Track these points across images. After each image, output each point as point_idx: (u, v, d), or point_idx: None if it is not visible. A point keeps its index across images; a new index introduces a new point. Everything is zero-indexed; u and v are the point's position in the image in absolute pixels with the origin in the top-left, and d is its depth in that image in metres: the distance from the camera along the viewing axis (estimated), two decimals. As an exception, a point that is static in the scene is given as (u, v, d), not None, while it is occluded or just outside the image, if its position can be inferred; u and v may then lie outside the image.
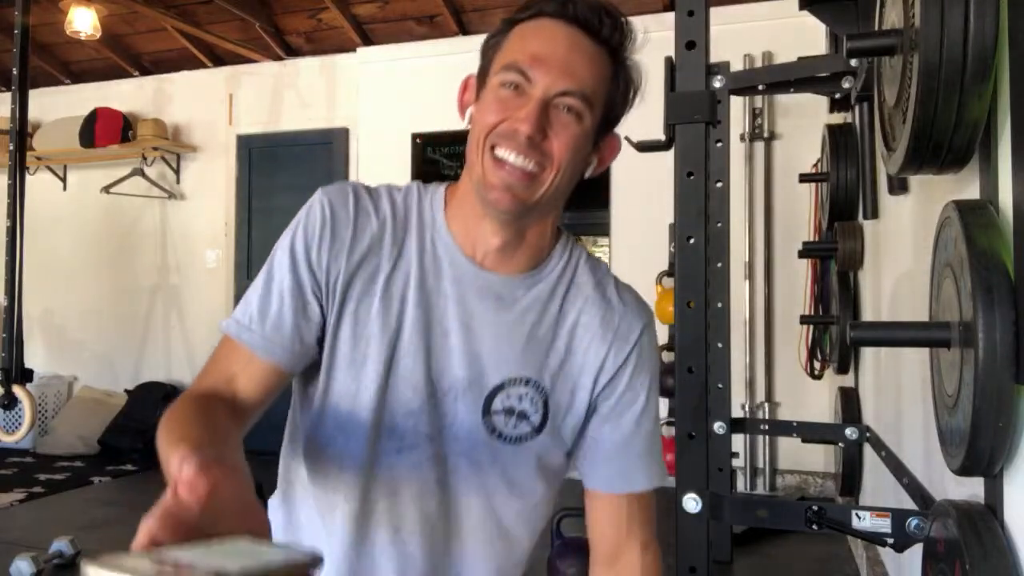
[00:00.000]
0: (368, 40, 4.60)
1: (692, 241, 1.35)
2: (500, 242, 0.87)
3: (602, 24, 0.86)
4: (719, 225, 2.26)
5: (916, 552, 1.20)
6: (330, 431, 0.89)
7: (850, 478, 2.78)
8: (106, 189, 4.85)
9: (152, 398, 4.76)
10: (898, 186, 1.80)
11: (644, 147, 1.84)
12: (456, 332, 0.88)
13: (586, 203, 4.17)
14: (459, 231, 0.89)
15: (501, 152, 0.81)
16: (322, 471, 0.90)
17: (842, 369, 2.84)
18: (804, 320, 3.07)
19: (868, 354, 2.62)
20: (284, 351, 0.84)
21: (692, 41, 1.34)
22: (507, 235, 0.87)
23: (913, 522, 1.18)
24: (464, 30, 4.38)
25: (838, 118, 2.93)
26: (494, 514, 0.92)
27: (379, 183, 0.94)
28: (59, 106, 5.03)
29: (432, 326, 0.87)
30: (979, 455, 0.91)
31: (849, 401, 2.75)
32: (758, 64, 3.83)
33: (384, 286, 0.87)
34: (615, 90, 0.87)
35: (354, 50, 4.62)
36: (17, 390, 2.98)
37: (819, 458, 3.79)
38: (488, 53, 0.87)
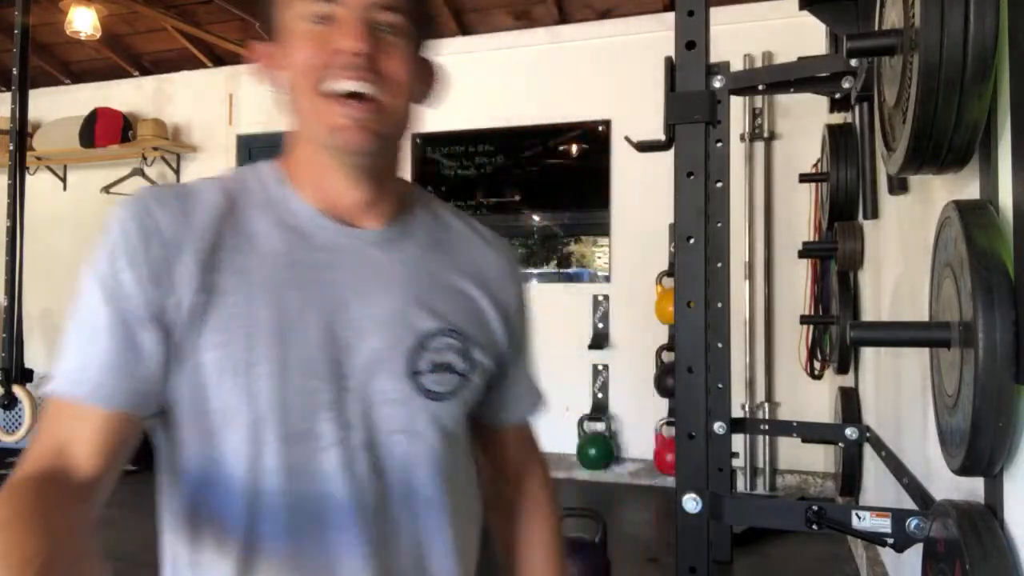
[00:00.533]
0: (368, 40, 4.60)
1: (692, 241, 1.35)
2: (362, 194, 0.79)
3: None
4: (719, 225, 2.26)
5: (916, 552, 1.21)
6: (222, 463, 0.74)
7: (850, 478, 2.78)
8: (106, 189, 4.85)
9: (152, 398, 4.76)
10: (898, 186, 1.80)
11: (644, 147, 1.84)
12: (353, 302, 0.77)
13: (586, 203, 4.18)
14: (313, 195, 0.79)
15: (334, 85, 0.72)
16: (216, 519, 0.74)
17: (842, 369, 2.84)
18: (804, 320, 3.07)
19: (868, 354, 2.62)
20: (125, 391, 0.69)
21: (692, 41, 1.34)
22: (368, 183, 0.79)
23: (913, 522, 1.18)
24: (464, 30, 4.38)
25: (838, 118, 2.93)
26: (443, 476, 0.82)
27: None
28: (59, 106, 5.03)
29: (321, 304, 0.76)
30: (979, 455, 0.91)
31: (849, 401, 2.74)
32: (758, 64, 3.83)
33: (241, 279, 0.74)
34: (422, 13, 0.79)
35: (354, 50, 4.62)
36: (17, 390, 2.98)
37: (819, 458, 3.79)
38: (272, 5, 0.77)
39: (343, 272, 0.78)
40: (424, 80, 0.82)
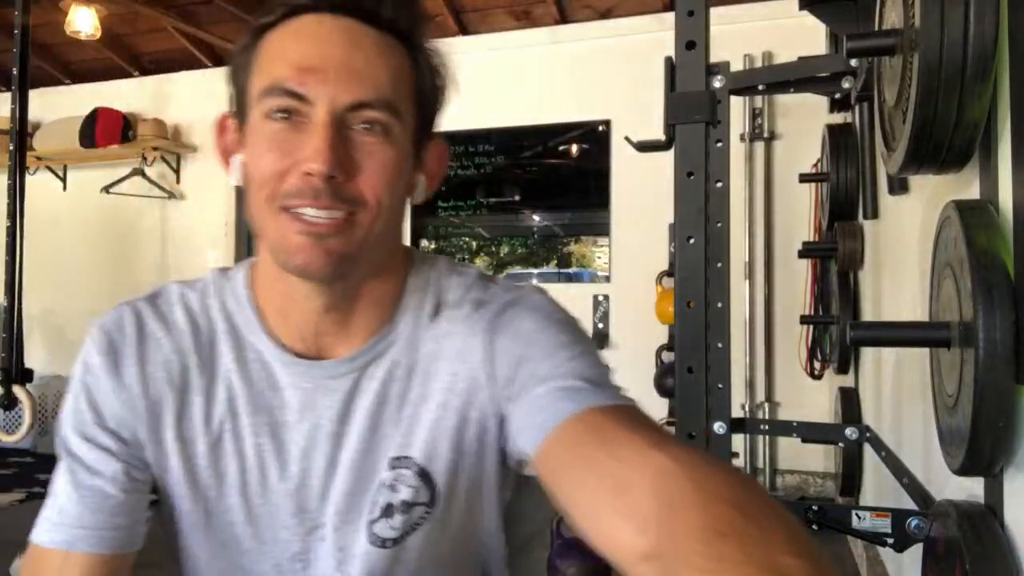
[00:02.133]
0: (368, 40, 4.60)
1: (692, 241, 1.35)
2: (332, 318, 0.70)
3: (380, 2, 0.64)
4: (719, 225, 2.26)
5: (916, 552, 1.20)
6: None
7: (850, 478, 2.78)
8: (106, 189, 4.85)
9: (152, 398, 4.76)
10: (898, 186, 1.80)
11: (644, 147, 1.84)
12: (317, 447, 0.71)
13: (586, 203, 4.18)
14: (277, 320, 0.72)
15: (294, 203, 0.62)
16: None
17: (842, 369, 2.84)
18: (804, 320, 3.07)
19: (868, 354, 2.62)
20: (108, 531, 0.68)
21: (692, 41, 1.34)
22: (338, 306, 0.69)
23: (913, 522, 1.18)
24: (464, 30, 4.38)
25: (838, 118, 2.93)
26: None
27: (173, 280, 0.76)
28: (59, 106, 5.03)
29: (286, 448, 0.71)
30: (979, 455, 0.91)
31: (849, 401, 2.74)
32: (758, 64, 3.83)
33: (206, 424, 0.71)
34: (422, 83, 0.68)
35: (354, 50, 4.62)
36: (17, 390, 2.98)
37: (819, 458, 3.79)
38: (239, 77, 0.66)
39: (306, 412, 0.71)
40: (424, 169, 0.71)
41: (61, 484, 0.70)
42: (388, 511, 0.71)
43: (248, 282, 0.75)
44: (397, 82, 0.64)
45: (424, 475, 0.72)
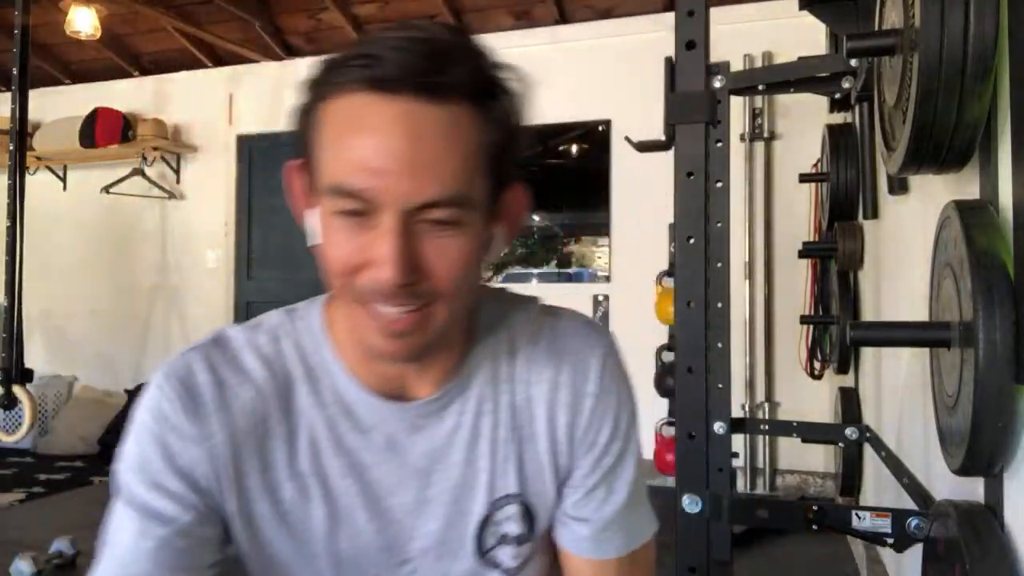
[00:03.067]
0: (368, 40, 4.60)
1: (692, 241, 1.35)
2: (411, 367, 0.71)
3: (440, 70, 0.58)
4: (719, 225, 2.25)
5: (916, 552, 1.20)
6: None
7: (850, 478, 2.78)
8: (106, 189, 4.85)
9: (152, 398, 4.76)
10: (898, 186, 1.80)
11: (644, 147, 1.84)
12: (405, 483, 0.72)
13: (586, 203, 4.17)
14: (357, 363, 0.71)
15: (373, 307, 0.63)
16: None
17: (842, 369, 2.84)
18: (804, 320, 3.07)
19: (868, 354, 2.62)
20: None
21: (692, 41, 1.33)
22: (419, 364, 0.71)
23: (913, 522, 1.18)
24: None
25: (838, 118, 2.93)
26: None
27: (230, 325, 0.73)
28: (59, 106, 5.03)
29: (373, 489, 0.71)
30: (979, 455, 0.91)
31: (849, 401, 2.74)
32: (758, 64, 3.83)
33: (290, 469, 0.70)
34: (495, 142, 0.63)
35: (354, 50, 4.62)
36: (17, 390, 2.98)
37: (819, 458, 3.79)
38: (307, 134, 0.63)
39: (393, 452, 0.72)
40: (502, 223, 0.68)
41: (123, 535, 0.66)
42: (502, 541, 0.75)
43: (324, 323, 0.73)
44: (467, 164, 0.60)
45: (526, 509, 0.75)
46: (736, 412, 2.80)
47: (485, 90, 0.63)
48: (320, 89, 0.62)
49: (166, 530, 0.66)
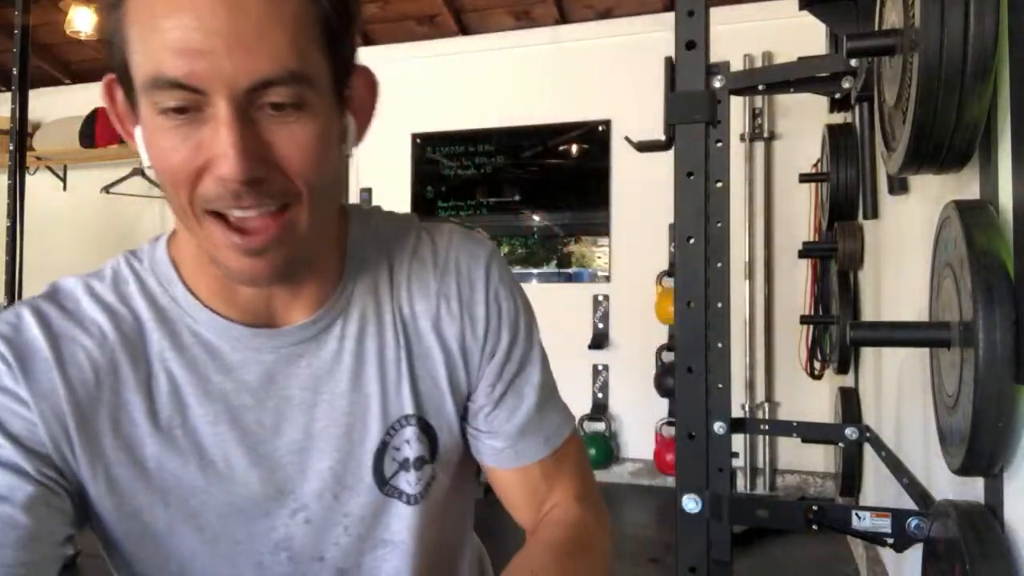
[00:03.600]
0: (368, 40, 4.60)
1: (692, 241, 1.35)
2: (278, 291, 0.65)
3: None
4: (719, 225, 2.26)
5: (916, 552, 1.20)
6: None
7: (850, 478, 2.78)
8: (106, 189, 4.85)
9: (152, 398, 4.76)
10: (898, 186, 1.80)
11: (644, 147, 1.84)
12: (288, 424, 0.66)
13: (586, 203, 4.17)
14: (214, 295, 0.65)
15: (226, 218, 0.56)
16: None
17: (842, 369, 2.84)
18: (804, 320, 3.07)
19: (868, 354, 2.62)
20: (15, 568, 0.56)
21: (692, 41, 1.34)
22: (285, 285, 0.65)
23: (913, 522, 1.18)
24: (464, 30, 4.38)
25: (838, 118, 2.93)
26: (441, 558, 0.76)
27: (81, 275, 0.66)
28: (59, 106, 5.03)
29: (250, 433, 0.65)
30: (979, 455, 0.91)
31: (849, 401, 2.74)
32: (758, 64, 3.83)
33: (150, 424, 0.63)
34: (329, 16, 0.55)
35: (354, 50, 4.62)
36: (17, 390, 2.97)
37: (819, 458, 3.79)
38: (118, 33, 0.54)
39: (269, 389, 0.65)
40: (352, 107, 0.61)
41: None
42: (402, 467, 0.69)
43: (171, 259, 0.66)
44: (299, 37, 0.53)
45: (424, 430, 0.70)
46: (736, 412, 2.80)
47: None
48: None
49: (5, 508, 0.57)
